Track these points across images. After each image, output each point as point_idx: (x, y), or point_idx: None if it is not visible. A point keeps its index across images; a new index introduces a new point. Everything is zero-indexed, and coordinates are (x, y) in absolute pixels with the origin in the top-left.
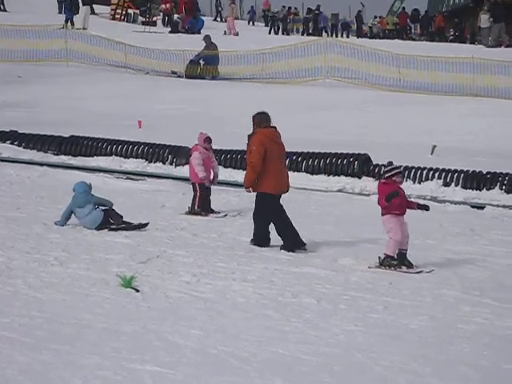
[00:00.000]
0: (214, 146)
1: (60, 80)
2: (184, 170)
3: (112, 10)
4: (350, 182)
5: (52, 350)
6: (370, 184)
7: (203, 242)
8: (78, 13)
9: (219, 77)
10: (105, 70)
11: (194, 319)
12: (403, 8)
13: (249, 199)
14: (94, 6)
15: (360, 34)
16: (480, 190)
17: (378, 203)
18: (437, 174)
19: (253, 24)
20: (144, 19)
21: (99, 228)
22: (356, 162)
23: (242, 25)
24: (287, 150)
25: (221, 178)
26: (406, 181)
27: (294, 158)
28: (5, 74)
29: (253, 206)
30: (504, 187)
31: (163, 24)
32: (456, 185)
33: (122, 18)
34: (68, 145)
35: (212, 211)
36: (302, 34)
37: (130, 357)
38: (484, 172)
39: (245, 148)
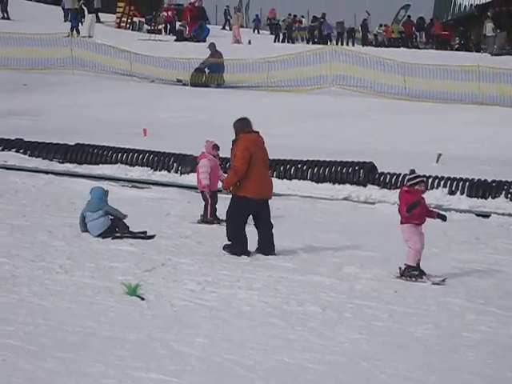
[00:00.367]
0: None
1: (65, 88)
2: (189, 178)
3: (117, 18)
4: (356, 191)
5: (57, 358)
6: (375, 192)
7: (208, 249)
8: (83, 21)
9: (224, 85)
10: (110, 78)
11: (198, 327)
12: (408, 16)
13: None
14: (100, 14)
15: (365, 42)
16: (485, 199)
17: (399, 211)
18: (442, 183)
19: (258, 32)
20: (149, 27)
21: (104, 236)
22: (361, 171)
23: (247, 33)
24: (293, 157)
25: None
26: None
27: (300, 166)
28: (10, 82)
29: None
30: (509, 196)
31: (165, 32)
32: (461, 193)
33: (128, 26)
34: (73, 153)
35: (217, 219)
36: (308, 43)
37: (135, 365)
38: (489, 180)
39: None
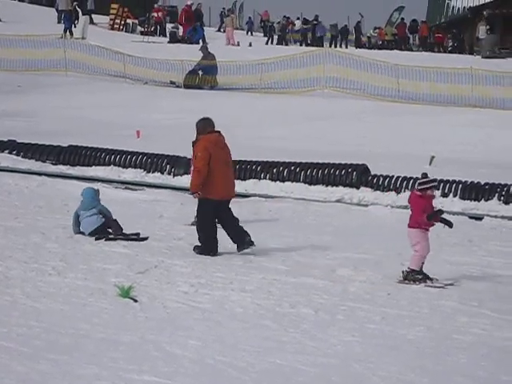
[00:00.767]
0: None
1: (59, 90)
2: (183, 180)
3: (111, 19)
4: (349, 193)
5: (50, 359)
6: (368, 194)
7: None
8: (77, 22)
9: (218, 87)
10: (103, 79)
11: (191, 329)
12: (402, 19)
13: (248, 209)
14: (93, 15)
15: (359, 44)
16: (478, 201)
17: (413, 215)
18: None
19: (251, 34)
20: (143, 29)
21: (97, 237)
22: (354, 173)
23: (241, 35)
24: (287, 159)
25: None
26: (405, 191)
27: (293, 168)
28: (4, 84)
29: (253, 216)
30: (502, 198)
31: (156, 33)
32: (454, 195)
33: (121, 27)
34: (66, 154)
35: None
36: (301, 45)
37: (128, 367)
38: (482, 183)
39: (244, 158)
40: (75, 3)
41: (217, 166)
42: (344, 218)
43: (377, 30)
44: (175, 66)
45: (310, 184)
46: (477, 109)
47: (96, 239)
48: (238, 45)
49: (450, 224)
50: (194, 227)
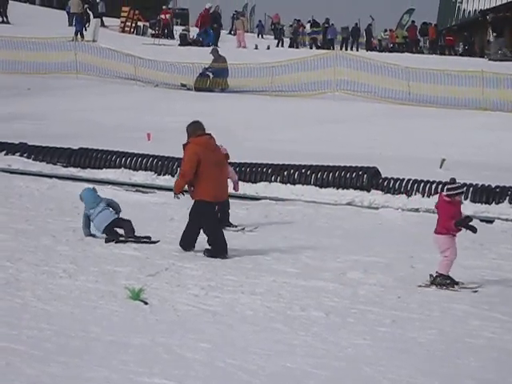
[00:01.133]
0: None
1: (69, 92)
2: None
3: (122, 22)
4: (359, 196)
5: (60, 362)
6: (378, 197)
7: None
8: (88, 25)
9: (228, 89)
10: (114, 82)
11: (202, 332)
12: (412, 21)
13: (259, 212)
14: (104, 18)
15: (369, 47)
16: (489, 204)
17: (442, 221)
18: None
19: (262, 37)
20: (153, 32)
21: (107, 239)
22: (365, 176)
23: (251, 38)
24: (298, 162)
25: (228, 191)
26: (415, 194)
27: (303, 171)
28: (14, 87)
29: (263, 219)
30: None
31: (163, 35)
32: (465, 198)
33: (132, 30)
34: (77, 157)
35: (230, 225)
36: (311, 48)
37: (138, 370)
38: (493, 186)
39: (255, 160)
40: (86, 6)
41: (207, 168)
42: (354, 220)
43: (387, 33)
44: (186, 69)
45: (321, 187)
46: (488, 112)
47: (106, 241)
48: (245, 47)
49: (473, 230)
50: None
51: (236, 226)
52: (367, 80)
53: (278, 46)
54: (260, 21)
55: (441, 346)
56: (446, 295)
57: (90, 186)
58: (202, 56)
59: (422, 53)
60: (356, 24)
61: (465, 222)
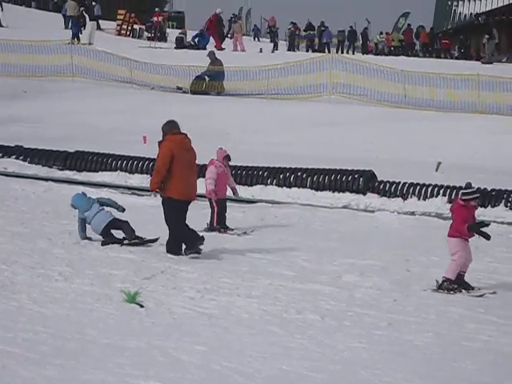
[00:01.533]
0: None
1: (65, 95)
2: None
3: (118, 25)
4: (355, 199)
5: (56, 365)
6: (374, 200)
7: (207, 257)
8: (84, 28)
9: (224, 93)
10: (110, 85)
11: (198, 335)
12: (408, 25)
13: (255, 215)
14: (100, 21)
15: (365, 50)
16: (485, 207)
17: (455, 224)
18: (442, 191)
19: (258, 40)
20: (149, 35)
21: (103, 242)
22: (361, 179)
23: (247, 41)
24: (293, 165)
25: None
26: (411, 197)
27: (299, 174)
28: (10, 89)
29: (259, 222)
30: (509, 204)
31: (155, 38)
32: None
33: (128, 33)
34: (73, 160)
35: (227, 228)
36: (307, 51)
37: (134, 373)
38: (489, 189)
39: (251, 163)
40: (82, 8)
41: (178, 167)
42: (351, 224)
43: (383, 35)
44: (182, 72)
45: (317, 190)
46: (483, 115)
47: (102, 244)
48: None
49: (487, 237)
50: (212, 234)
51: (233, 230)
52: (363, 83)
53: (273, 49)
54: (255, 24)
55: (437, 349)
56: (443, 298)
57: (79, 191)
58: (198, 59)
59: (418, 56)
60: (351, 27)
61: (478, 227)
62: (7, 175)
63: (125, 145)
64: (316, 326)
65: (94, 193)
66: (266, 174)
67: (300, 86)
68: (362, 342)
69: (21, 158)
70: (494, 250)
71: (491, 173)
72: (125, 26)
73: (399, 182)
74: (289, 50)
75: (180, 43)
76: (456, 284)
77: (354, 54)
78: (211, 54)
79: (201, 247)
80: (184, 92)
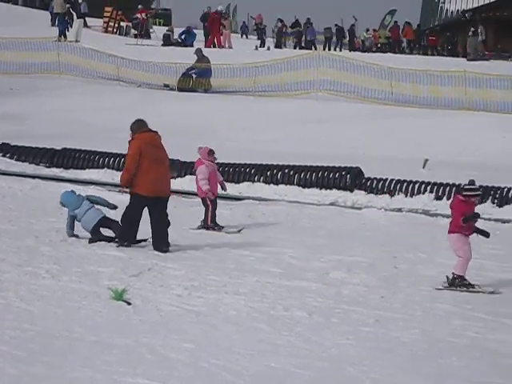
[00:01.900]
0: None
1: (52, 92)
2: (175, 183)
3: (105, 22)
4: (342, 196)
5: (44, 362)
6: (361, 197)
7: (195, 254)
8: (72, 25)
9: (211, 90)
10: (97, 82)
11: (185, 332)
12: (395, 22)
13: (242, 212)
14: (87, 18)
15: (352, 47)
16: None
17: (454, 219)
18: (429, 188)
19: (246, 37)
20: (136, 32)
21: (90, 240)
22: (348, 176)
23: (235, 38)
24: (281, 162)
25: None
26: (398, 194)
27: (287, 171)
28: None
29: (246, 219)
30: (496, 201)
31: (139, 35)
32: (448, 198)
33: (115, 30)
34: (60, 157)
35: (216, 225)
36: (294, 48)
37: (122, 370)
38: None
39: (238, 161)
40: (68, 6)
41: (147, 163)
42: (338, 220)
43: (370, 32)
44: (169, 69)
45: (304, 187)
46: (470, 112)
47: (90, 242)
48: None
49: (486, 234)
50: (200, 231)
51: (223, 227)
52: (350, 80)
53: (260, 46)
54: (244, 21)
55: (424, 345)
56: (429, 295)
57: (67, 189)
58: (185, 56)
59: (405, 53)
60: (336, 24)
61: (473, 218)
62: None
63: (112, 142)
64: (303, 322)
65: (81, 190)
66: (253, 171)
67: (287, 83)
68: (350, 339)
69: (7, 155)
70: (481, 246)
71: (478, 169)
72: (111, 24)
73: (386, 179)
74: (276, 47)
75: (167, 40)
76: (467, 280)
77: (341, 50)
78: (198, 51)
79: (127, 246)
80: (171, 89)
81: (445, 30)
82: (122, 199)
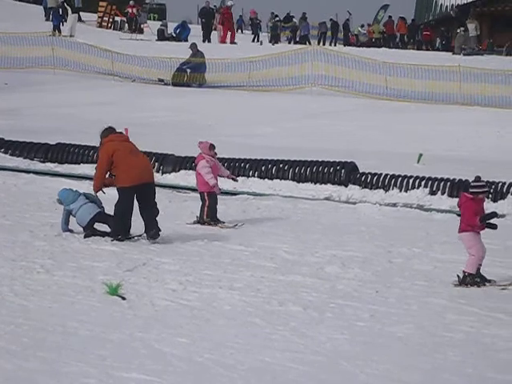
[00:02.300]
0: None
1: (47, 87)
2: (170, 178)
3: (99, 17)
4: (337, 190)
5: (38, 357)
6: (356, 192)
7: (189, 249)
8: (66, 19)
9: (206, 84)
10: (92, 77)
11: (180, 327)
12: (389, 16)
13: (236, 206)
14: (81, 13)
15: (347, 42)
16: None
17: (465, 218)
18: (423, 183)
19: (241, 32)
20: (131, 26)
21: (86, 234)
22: (343, 170)
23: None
24: (275, 157)
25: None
26: (393, 189)
27: (281, 165)
28: None
29: (241, 214)
30: (490, 196)
31: (129, 29)
32: (442, 193)
33: (109, 25)
34: (54, 152)
35: (218, 220)
36: (289, 43)
37: (116, 365)
38: (470, 180)
39: (232, 155)
40: (62, 0)
41: (123, 156)
42: (332, 215)
43: (365, 27)
44: (163, 64)
45: (299, 182)
46: (465, 106)
47: (85, 237)
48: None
49: (494, 227)
50: (195, 226)
51: (223, 222)
52: (345, 75)
53: (253, 41)
54: (240, 16)
55: (419, 340)
56: (424, 290)
57: (65, 187)
58: (179, 51)
59: (399, 48)
60: (331, 19)
61: (490, 218)
62: None
63: None
64: (298, 317)
65: (75, 186)
66: (247, 166)
67: (282, 78)
68: (344, 334)
69: (2, 150)
70: None
71: (473, 164)
72: (106, 18)
73: (381, 174)
74: (270, 41)
75: (161, 35)
76: (479, 278)
77: (335, 45)
78: (193, 46)
79: (121, 240)
80: (165, 84)
81: (439, 24)
82: (116, 194)
